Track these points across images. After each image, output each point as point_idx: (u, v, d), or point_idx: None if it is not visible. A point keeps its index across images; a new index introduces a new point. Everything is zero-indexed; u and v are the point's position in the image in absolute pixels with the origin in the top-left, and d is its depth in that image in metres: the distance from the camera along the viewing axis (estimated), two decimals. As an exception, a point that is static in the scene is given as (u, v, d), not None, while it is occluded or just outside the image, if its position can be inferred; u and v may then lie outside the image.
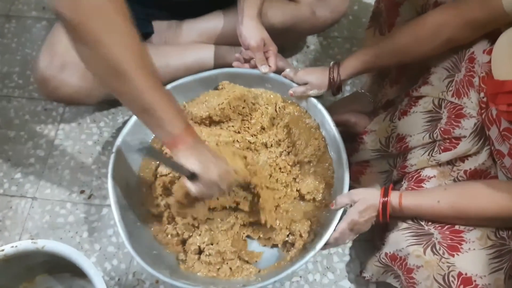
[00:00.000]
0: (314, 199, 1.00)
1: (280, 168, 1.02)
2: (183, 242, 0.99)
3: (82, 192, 1.16)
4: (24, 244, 0.87)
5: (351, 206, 0.87)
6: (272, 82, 1.08)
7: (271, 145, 1.05)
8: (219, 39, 1.20)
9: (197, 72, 1.11)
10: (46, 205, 1.15)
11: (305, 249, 0.94)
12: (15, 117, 1.28)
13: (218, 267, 0.96)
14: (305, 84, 1.02)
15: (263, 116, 1.07)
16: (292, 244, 0.97)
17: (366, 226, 0.87)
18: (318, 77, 1.00)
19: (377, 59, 0.91)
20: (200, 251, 0.98)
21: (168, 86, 1.07)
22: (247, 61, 1.09)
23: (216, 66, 1.16)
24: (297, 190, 1.01)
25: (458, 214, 0.78)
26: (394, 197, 0.83)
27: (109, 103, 1.27)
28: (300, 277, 1.03)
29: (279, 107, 1.08)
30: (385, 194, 0.83)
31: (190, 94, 1.11)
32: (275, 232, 0.97)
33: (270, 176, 1.01)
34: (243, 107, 1.06)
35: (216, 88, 1.11)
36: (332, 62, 0.98)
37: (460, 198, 0.77)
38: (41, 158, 1.21)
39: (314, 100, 1.04)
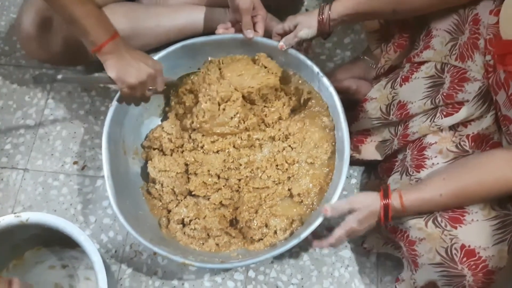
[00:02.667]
0: (302, 201, 0.96)
1: (276, 165, 0.98)
2: (168, 210, 0.98)
3: (75, 163, 1.13)
4: (7, 219, 0.86)
5: (349, 213, 0.83)
6: (289, 57, 1.01)
7: (279, 138, 1.00)
8: (212, 1, 1.16)
9: (190, 35, 1.06)
10: (38, 176, 1.12)
11: (272, 246, 0.91)
12: (3, 85, 1.23)
13: (202, 242, 0.94)
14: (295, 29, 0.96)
15: (284, 106, 1.01)
16: (262, 238, 0.94)
17: (363, 231, 0.84)
18: (307, 17, 0.94)
19: (371, 1, 0.87)
20: (183, 223, 0.96)
21: (202, 39, 1.03)
22: (233, 24, 1.04)
23: (209, 29, 1.11)
24: (288, 189, 0.97)
25: (464, 201, 0.75)
26: (394, 198, 0.78)
27: (100, 69, 1.22)
28: (300, 247, 1.02)
29: (304, 99, 1.02)
30: (385, 195, 0.79)
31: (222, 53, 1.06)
32: (251, 231, 0.94)
33: (263, 172, 0.97)
34: (270, 94, 1.01)
35: (253, 60, 1.05)
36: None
37: (463, 185, 0.74)
38: (32, 128, 1.18)
39: (335, 96, 0.96)
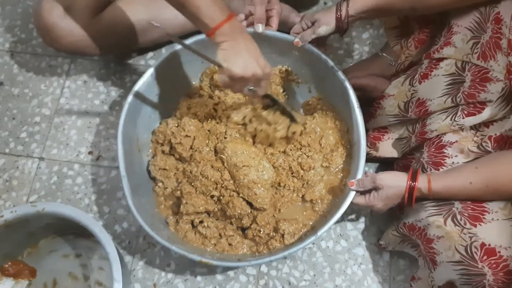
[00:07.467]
0: (313, 207, 0.94)
1: (292, 173, 0.95)
2: (175, 212, 0.97)
3: (90, 153, 1.13)
4: (24, 208, 0.86)
5: (375, 190, 0.83)
6: (303, 52, 0.99)
7: (290, 149, 0.96)
8: None
9: None
10: (53, 165, 1.12)
11: (275, 249, 0.91)
12: (19, 73, 1.24)
13: (214, 242, 0.93)
14: (313, 25, 0.95)
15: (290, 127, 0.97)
16: (267, 241, 0.92)
17: (384, 210, 0.85)
18: (325, 14, 0.93)
19: None
20: (193, 224, 0.95)
21: None
22: (246, 17, 1.02)
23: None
24: (302, 196, 0.95)
25: (493, 192, 0.74)
26: (422, 182, 0.79)
27: (116, 59, 1.22)
28: (313, 244, 1.02)
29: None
30: (413, 178, 0.79)
31: None
32: (258, 239, 0.93)
33: (279, 184, 0.94)
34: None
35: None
36: None
37: (495, 176, 0.74)
38: (47, 116, 1.18)
39: (354, 101, 0.93)
